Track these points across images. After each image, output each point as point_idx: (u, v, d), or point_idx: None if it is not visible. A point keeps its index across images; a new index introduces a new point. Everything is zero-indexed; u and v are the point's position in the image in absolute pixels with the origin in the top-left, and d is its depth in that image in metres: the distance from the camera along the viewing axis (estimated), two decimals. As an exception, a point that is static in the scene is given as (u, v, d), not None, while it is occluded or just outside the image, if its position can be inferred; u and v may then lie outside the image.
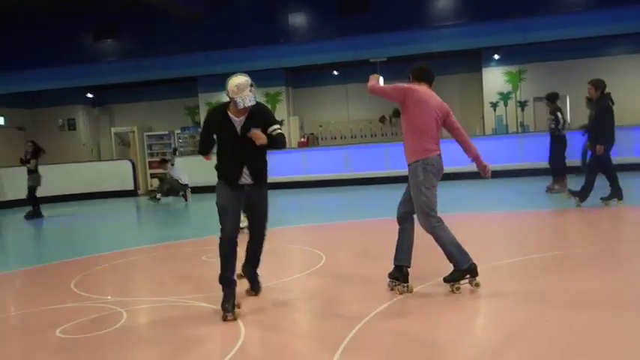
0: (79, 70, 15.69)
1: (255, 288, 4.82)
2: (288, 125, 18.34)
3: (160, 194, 13.74)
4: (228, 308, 4.18)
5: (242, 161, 4.40)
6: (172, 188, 13.68)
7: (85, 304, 4.90)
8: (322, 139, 18.60)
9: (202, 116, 18.30)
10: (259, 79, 18.48)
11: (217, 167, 4.51)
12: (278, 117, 18.27)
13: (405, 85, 4.67)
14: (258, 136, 4.26)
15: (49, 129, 18.99)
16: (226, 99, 4.34)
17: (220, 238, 4.31)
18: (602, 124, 8.23)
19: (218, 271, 4.30)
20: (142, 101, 19.29)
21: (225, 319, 4.12)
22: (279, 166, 15.56)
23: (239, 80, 4.24)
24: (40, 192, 12.22)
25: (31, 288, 6.15)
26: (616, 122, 8.56)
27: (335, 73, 18.27)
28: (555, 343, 3.39)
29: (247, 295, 4.74)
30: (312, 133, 18.53)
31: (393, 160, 13.54)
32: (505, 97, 16.96)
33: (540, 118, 16.17)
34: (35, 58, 15.52)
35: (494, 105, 17.01)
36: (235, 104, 4.24)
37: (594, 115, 8.37)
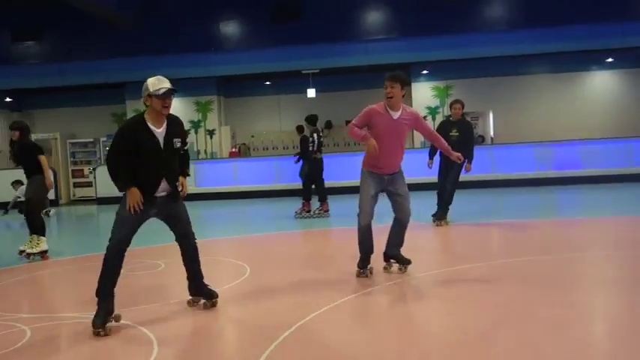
0: (-4, 72, 14.89)
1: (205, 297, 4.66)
2: (220, 135, 18.10)
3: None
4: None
5: (161, 174, 4.26)
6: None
7: (-15, 322, 4.55)
8: (254, 149, 18.44)
9: (130, 124, 17.78)
10: (190, 87, 18.30)
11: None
12: (209, 126, 18.10)
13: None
14: (184, 186, 4.46)
15: (-39, 134, 17.87)
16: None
17: (113, 248, 4.15)
18: (472, 142, 8.56)
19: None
20: (65, 107, 18.48)
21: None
22: (209, 176, 15.31)
23: (156, 76, 4.22)
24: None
25: None
26: (534, 139, 8.95)
27: (267, 83, 18.19)
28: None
29: (204, 308, 4.62)
30: (244, 143, 18.33)
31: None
32: (433, 111, 17.40)
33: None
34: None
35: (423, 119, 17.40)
36: (160, 99, 4.11)
37: (463, 133, 8.38)
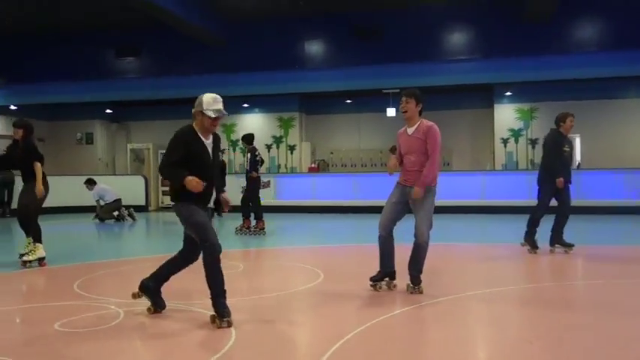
0: (100, 86, 16.14)
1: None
2: (300, 150, 18.61)
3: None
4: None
5: (212, 185, 4.40)
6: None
7: (84, 303, 5.05)
8: (333, 165, 18.80)
9: (216, 137, 18.67)
10: (274, 103, 18.94)
11: (180, 189, 4.26)
12: (290, 142, 18.67)
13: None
14: (227, 202, 4.65)
15: (66, 141, 19.43)
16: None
17: (212, 254, 4.21)
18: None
19: (212, 287, 4.29)
20: (159, 119, 19.69)
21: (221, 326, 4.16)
22: (288, 189, 15.79)
23: (213, 94, 4.37)
24: (54, 202, 12.45)
25: (36, 286, 6.33)
26: (624, 165, 8.59)
27: (348, 101, 18.56)
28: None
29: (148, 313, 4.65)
30: (323, 160, 18.75)
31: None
32: (516, 133, 17.09)
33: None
34: (59, 71, 16.00)
35: (504, 141, 17.14)
36: (211, 119, 4.26)
37: (571, 149, 7.71)
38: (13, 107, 17.66)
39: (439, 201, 5.39)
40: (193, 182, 4.12)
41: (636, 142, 16.17)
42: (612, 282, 5.88)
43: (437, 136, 5.08)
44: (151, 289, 4.62)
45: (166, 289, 4.73)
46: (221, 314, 4.19)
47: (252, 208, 10.43)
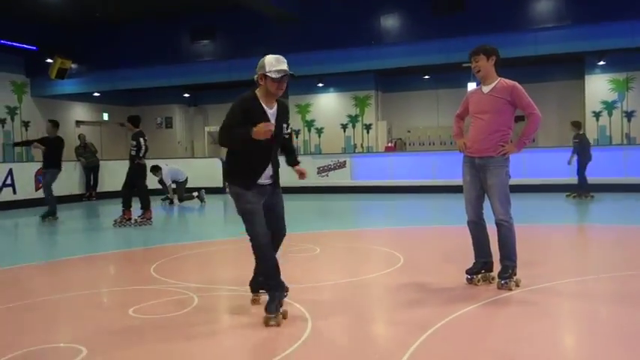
0: (176, 70, 16.31)
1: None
2: (376, 129, 18.17)
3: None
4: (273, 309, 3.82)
5: (269, 159, 3.97)
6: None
7: (159, 287, 4.97)
8: (410, 144, 18.25)
9: (292, 119, 18.50)
10: (349, 82, 18.54)
11: (233, 167, 3.98)
12: (366, 121, 18.27)
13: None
14: (303, 172, 4.29)
15: (147, 126, 19.87)
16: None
17: (260, 248, 3.88)
18: None
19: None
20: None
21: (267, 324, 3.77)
22: (364, 169, 15.44)
23: (276, 55, 3.89)
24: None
25: (114, 270, 6.38)
26: None
27: (426, 77, 17.88)
28: None
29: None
30: (400, 138, 18.23)
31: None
32: (610, 106, 15.85)
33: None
34: (135, 57, 16.33)
35: (597, 114, 15.95)
36: (275, 82, 3.79)
37: None
38: (96, 94, 18.30)
39: (525, 179, 4.87)
40: (261, 128, 3.67)
41: None
42: None
43: (525, 93, 4.48)
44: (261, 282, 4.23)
45: (238, 276, 4.55)
46: (268, 309, 3.81)
47: (140, 197, 9.68)
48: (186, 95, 20.04)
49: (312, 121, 18.77)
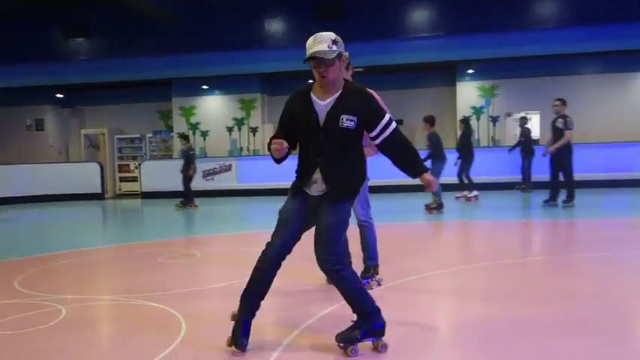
0: (48, 68, 15.36)
1: None
2: (262, 132, 18.22)
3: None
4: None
5: (315, 161, 3.21)
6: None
7: (24, 301, 4.66)
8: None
9: (175, 121, 18.11)
10: (235, 85, 18.38)
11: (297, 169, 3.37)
12: (253, 124, 18.24)
13: None
14: (429, 183, 3.31)
15: (15, 128, 18.54)
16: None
17: (263, 253, 3.33)
18: None
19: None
20: (113, 104, 18.95)
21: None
22: (250, 173, 15.41)
23: (318, 34, 3.14)
24: (5, 192, 11.85)
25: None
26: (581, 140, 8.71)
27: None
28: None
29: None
30: (286, 142, 18.40)
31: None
32: (478, 111, 17.04)
33: (510, 133, 16.39)
34: (2, 53, 15.15)
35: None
36: (313, 68, 3.11)
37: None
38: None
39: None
40: (272, 145, 3.17)
41: (595, 117, 16.29)
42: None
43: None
44: None
45: (108, 285, 4.38)
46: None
47: None
48: (60, 95, 18.84)
49: (197, 123, 18.42)
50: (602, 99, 16.40)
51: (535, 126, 17.02)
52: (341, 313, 3.72)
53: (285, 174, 13.24)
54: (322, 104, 3.16)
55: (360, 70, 15.42)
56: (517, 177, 13.66)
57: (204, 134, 18.50)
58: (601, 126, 15.84)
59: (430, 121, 10.19)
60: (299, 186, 3.30)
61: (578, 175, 13.41)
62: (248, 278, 3.35)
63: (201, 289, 4.98)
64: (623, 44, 14.19)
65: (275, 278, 3.35)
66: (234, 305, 3.38)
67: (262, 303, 3.37)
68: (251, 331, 3.34)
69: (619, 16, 13.51)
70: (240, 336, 3.30)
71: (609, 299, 4.25)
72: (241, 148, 18.25)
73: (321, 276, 4.95)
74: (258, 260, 3.32)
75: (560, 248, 6.85)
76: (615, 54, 15.18)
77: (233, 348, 3.32)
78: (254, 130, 18.23)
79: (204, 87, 17.87)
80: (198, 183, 15.46)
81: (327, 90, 3.16)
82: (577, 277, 5.12)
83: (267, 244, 3.31)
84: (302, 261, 3.96)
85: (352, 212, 4.52)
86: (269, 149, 3.24)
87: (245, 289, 3.34)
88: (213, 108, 18.39)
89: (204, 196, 14.81)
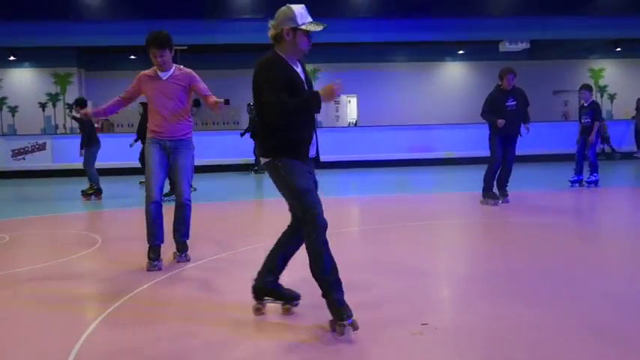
0: None
1: None
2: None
3: None
4: None
5: (313, 125, 3.34)
6: None
7: None
8: (118, 125, 17.80)
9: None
10: (48, 58, 17.13)
11: (279, 139, 3.21)
12: (69, 100, 17.11)
13: None
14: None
15: None
16: None
17: (318, 231, 3.10)
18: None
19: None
20: None
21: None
22: (66, 152, 14.55)
23: (299, 4, 3.26)
24: None
25: None
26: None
27: (132, 57, 17.58)
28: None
29: None
30: (108, 119, 17.62)
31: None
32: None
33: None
34: None
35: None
36: (308, 37, 3.24)
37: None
38: None
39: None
40: (329, 90, 3.14)
41: (403, 102, 18.00)
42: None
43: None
44: (269, 286, 3.45)
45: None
46: (339, 315, 3.08)
47: None
48: None
49: (4, 98, 16.89)
50: (409, 85, 18.18)
51: (353, 109, 18.40)
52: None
53: (104, 154, 12.63)
54: (300, 72, 3.31)
55: (185, 48, 15.37)
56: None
57: (12, 110, 17.04)
58: (407, 110, 17.61)
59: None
60: (306, 154, 3.25)
61: (381, 156, 14.86)
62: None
63: (5, 273, 4.82)
64: (427, 36, 15.69)
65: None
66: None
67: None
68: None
69: (425, 10, 14.83)
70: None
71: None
72: (57, 126, 17.13)
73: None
74: (322, 241, 3.13)
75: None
76: (422, 44, 16.85)
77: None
78: (70, 107, 17.18)
79: (12, 58, 16.39)
80: (5, 163, 14.30)
81: (298, 59, 3.32)
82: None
83: (315, 218, 3.11)
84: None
85: (180, 191, 4.77)
86: (303, 108, 3.17)
87: (331, 283, 3.14)
88: (23, 82, 17.00)
89: (15, 177, 13.77)
